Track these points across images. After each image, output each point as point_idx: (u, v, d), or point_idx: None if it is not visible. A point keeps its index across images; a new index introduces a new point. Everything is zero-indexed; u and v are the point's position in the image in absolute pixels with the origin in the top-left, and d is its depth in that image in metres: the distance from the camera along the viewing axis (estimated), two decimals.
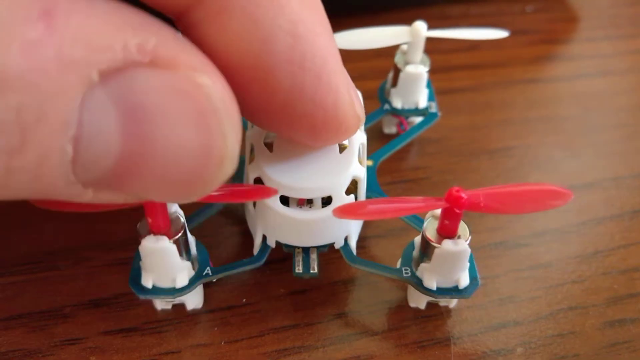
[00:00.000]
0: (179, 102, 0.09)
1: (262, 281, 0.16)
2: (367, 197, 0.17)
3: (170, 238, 0.13)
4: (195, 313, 0.16)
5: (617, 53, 0.25)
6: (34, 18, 0.08)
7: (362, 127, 0.16)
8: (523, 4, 0.28)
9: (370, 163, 0.18)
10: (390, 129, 0.20)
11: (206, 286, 0.16)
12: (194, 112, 0.09)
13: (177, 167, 0.09)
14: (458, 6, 0.27)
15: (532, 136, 0.21)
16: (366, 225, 0.17)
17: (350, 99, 0.12)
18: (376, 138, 0.20)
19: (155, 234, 0.13)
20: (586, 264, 0.17)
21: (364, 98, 0.17)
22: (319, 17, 0.11)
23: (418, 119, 0.19)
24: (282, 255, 0.15)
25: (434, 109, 0.19)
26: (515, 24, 0.26)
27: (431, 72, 0.19)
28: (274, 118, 0.12)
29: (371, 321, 0.16)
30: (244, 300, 0.16)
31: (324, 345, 0.15)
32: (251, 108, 0.12)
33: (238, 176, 0.17)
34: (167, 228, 0.13)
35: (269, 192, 0.13)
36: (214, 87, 0.09)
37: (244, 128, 0.16)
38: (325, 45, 0.11)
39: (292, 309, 0.16)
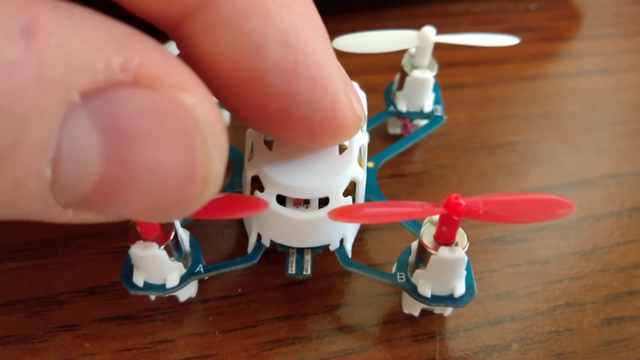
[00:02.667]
0: (163, 123, 0.09)
1: (259, 271, 0.16)
2: (366, 199, 0.17)
3: (160, 243, 0.13)
4: (190, 302, 0.16)
5: (620, 51, 0.25)
6: (13, 37, 0.07)
7: (364, 128, 0.16)
8: (527, 2, 0.27)
9: (370, 165, 0.18)
10: (394, 129, 0.20)
11: None
12: (178, 133, 0.09)
13: (159, 190, 0.09)
14: (461, 3, 0.27)
15: (534, 132, 0.21)
16: None
17: (349, 100, 0.12)
18: (380, 138, 0.20)
19: (144, 239, 0.13)
20: (585, 260, 0.17)
21: (366, 93, 0.17)
22: (312, 23, 0.11)
23: (423, 121, 0.19)
24: (279, 246, 0.15)
25: (439, 112, 0.19)
26: (519, 22, 0.26)
27: None
28: (272, 123, 0.12)
29: (366, 314, 0.16)
30: (240, 290, 0.16)
31: (318, 337, 0.15)
32: (248, 115, 0.12)
33: (237, 173, 0.17)
34: (156, 234, 0.13)
35: (259, 205, 0.13)
36: (199, 106, 0.09)
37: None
38: (319, 50, 0.11)
39: (287, 300, 0.16)
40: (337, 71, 0.12)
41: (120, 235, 0.17)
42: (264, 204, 0.13)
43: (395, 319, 0.15)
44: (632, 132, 0.21)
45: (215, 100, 0.10)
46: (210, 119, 0.09)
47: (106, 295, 0.16)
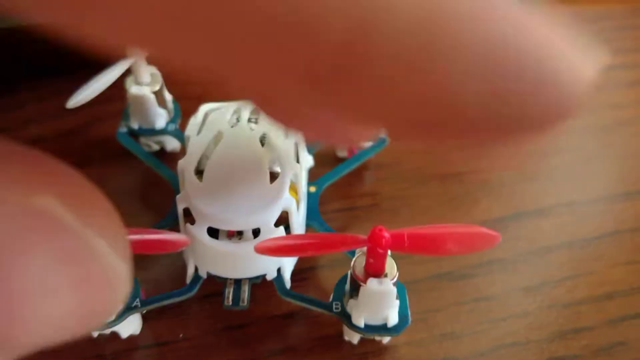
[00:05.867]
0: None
1: (201, 315, 0.16)
2: (308, 225, 0.17)
3: None
4: (131, 349, 0.15)
5: None
6: None
7: (303, 153, 0.16)
8: None
9: (313, 189, 0.17)
10: (343, 152, 0.20)
11: (145, 316, 0.16)
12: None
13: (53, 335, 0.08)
14: None
15: (484, 160, 0.21)
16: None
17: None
18: (327, 162, 0.20)
19: None
20: (531, 296, 0.17)
21: None
22: None
23: (368, 143, 0.19)
24: (222, 287, 0.15)
25: (383, 134, 0.19)
26: None
27: None
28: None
29: (309, 358, 0.15)
30: (181, 335, 0.16)
31: None
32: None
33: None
34: None
35: (178, 244, 0.13)
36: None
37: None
38: None
39: (230, 344, 0.16)
40: None
41: None
42: (183, 243, 0.13)
43: None
44: (585, 158, 0.20)
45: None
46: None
47: None
